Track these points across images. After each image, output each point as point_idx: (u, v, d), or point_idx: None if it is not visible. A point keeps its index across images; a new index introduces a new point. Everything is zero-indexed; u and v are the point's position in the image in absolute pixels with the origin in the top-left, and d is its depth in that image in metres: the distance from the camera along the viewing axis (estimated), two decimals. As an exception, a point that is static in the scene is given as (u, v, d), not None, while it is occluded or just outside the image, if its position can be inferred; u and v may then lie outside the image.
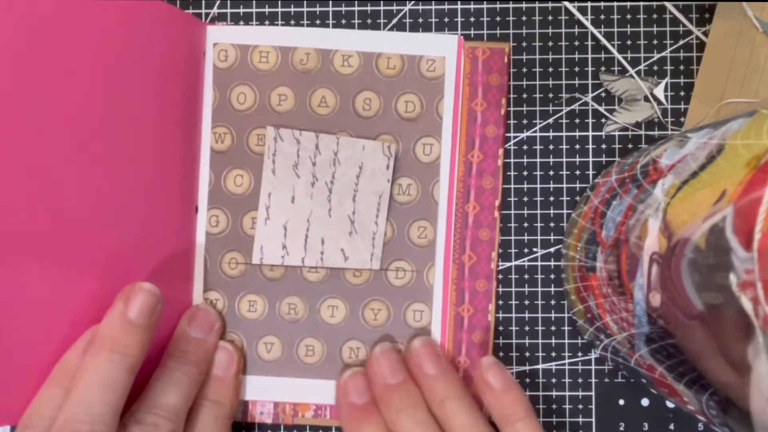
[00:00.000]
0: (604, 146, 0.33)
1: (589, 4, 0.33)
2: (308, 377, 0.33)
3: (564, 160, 0.33)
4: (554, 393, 0.33)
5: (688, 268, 0.20)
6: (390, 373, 0.31)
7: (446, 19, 0.33)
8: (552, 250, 0.33)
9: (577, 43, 0.33)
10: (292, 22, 0.33)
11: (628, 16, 0.32)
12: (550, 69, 0.33)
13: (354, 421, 0.31)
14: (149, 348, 0.28)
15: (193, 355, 0.31)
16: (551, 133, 0.33)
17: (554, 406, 0.33)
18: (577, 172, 0.33)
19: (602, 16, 0.33)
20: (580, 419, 0.32)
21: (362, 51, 0.33)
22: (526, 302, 0.33)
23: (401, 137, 0.33)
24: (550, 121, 0.33)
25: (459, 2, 0.33)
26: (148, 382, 0.30)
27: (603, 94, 0.33)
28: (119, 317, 0.28)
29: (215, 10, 0.33)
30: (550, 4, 0.33)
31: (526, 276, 0.33)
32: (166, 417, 0.28)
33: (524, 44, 0.33)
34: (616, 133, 0.33)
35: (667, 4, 0.32)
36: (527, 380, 0.33)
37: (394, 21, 0.33)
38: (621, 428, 0.32)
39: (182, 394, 0.29)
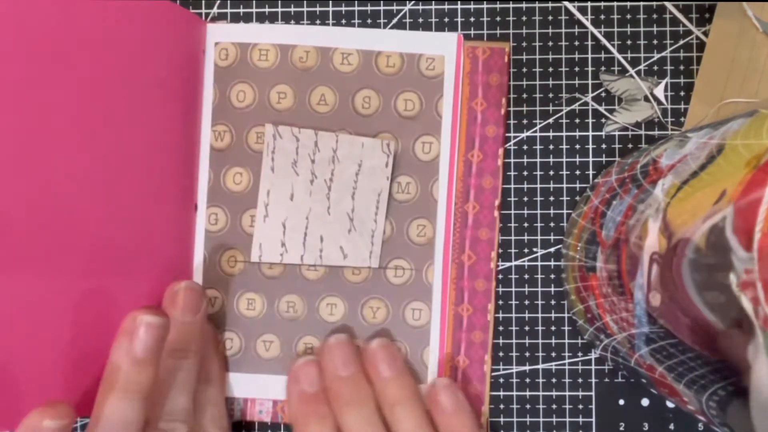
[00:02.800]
0: (604, 146, 0.33)
1: (589, 4, 0.32)
2: None
3: (564, 160, 0.33)
4: (554, 393, 0.33)
5: (688, 268, 0.20)
6: (342, 364, 0.31)
7: (446, 19, 0.33)
8: (552, 250, 0.33)
9: (577, 43, 0.33)
10: (292, 21, 0.33)
11: (628, 16, 0.32)
12: (550, 69, 0.33)
13: (303, 408, 0.31)
14: None
15: (193, 345, 0.31)
16: (551, 133, 0.33)
17: (554, 406, 0.33)
18: (577, 172, 0.33)
19: (602, 16, 0.33)
20: (580, 419, 0.32)
21: (362, 49, 0.33)
22: (526, 302, 0.33)
23: (400, 135, 0.33)
24: (550, 121, 0.33)
25: (459, 2, 0.33)
26: (158, 382, 0.29)
27: (603, 94, 0.33)
28: (126, 357, 0.28)
29: (215, 10, 0.33)
30: (550, 4, 0.33)
31: (526, 276, 0.33)
32: (180, 420, 0.30)
33: (524, 44, 0.33)
34: (616, 133, 0.33)
35: (667, 4, 0.32)
36: (527, 380, 0.33)
37: (394, 21, 0.33)
38: (621, 428, 0.32)
39: (189, 392, 0.30)
